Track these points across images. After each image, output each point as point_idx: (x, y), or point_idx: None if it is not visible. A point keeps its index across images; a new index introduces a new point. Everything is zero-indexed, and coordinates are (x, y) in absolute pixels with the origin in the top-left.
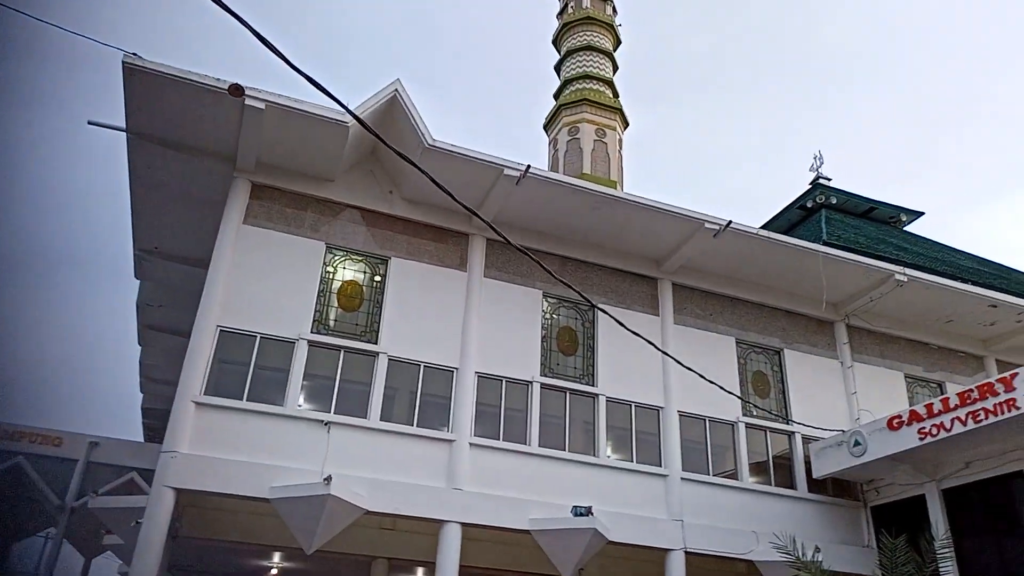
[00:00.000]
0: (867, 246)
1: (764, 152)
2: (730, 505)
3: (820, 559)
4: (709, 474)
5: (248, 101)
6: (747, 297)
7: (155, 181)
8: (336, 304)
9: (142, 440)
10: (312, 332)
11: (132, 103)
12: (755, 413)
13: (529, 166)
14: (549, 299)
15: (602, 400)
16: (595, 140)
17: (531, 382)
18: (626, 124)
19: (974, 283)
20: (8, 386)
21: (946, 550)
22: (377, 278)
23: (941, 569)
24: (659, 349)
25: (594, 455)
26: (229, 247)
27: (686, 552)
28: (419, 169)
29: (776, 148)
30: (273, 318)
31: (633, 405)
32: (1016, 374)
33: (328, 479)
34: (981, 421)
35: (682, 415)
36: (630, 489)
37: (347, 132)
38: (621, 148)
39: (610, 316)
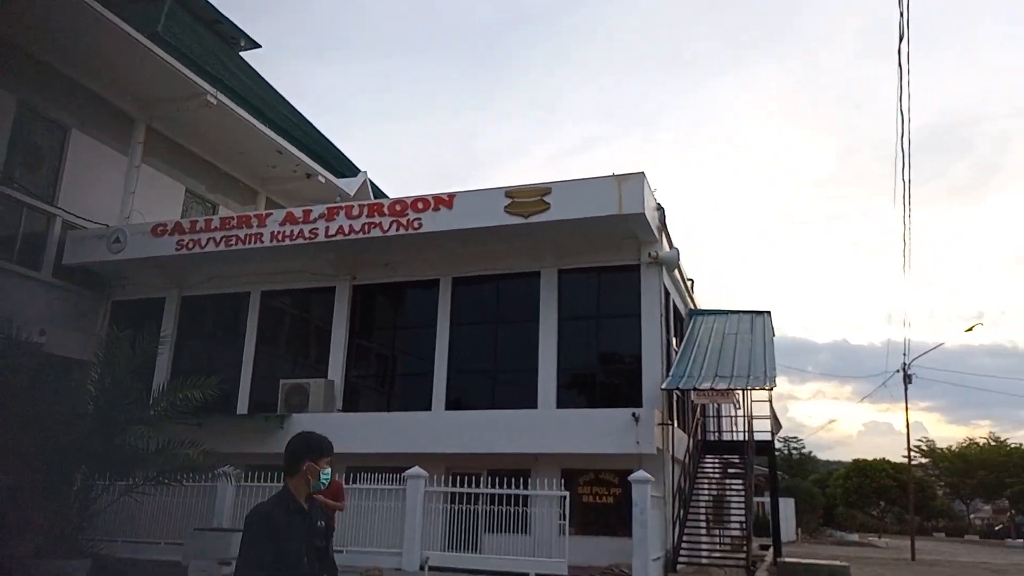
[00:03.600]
0: (199, 55)
1: None
2: None
3: (43, 341)
4: None
5: None
6: (46, 59)
7: None
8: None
9: None
10: None
11: None
12: (19, 185)
13: None
14: None
15: None
16: None
17: None
18: None
19: (277, 124)
20: None
21: (163, 345)
22: None
23: (158, 361)
24: None
25: None
26: None
27: None
28: None
29: None
30: None
31: None
32: (270, 214)
33: None
34: (232, 246)
35: None
36: None
37: None
38: None
39: None
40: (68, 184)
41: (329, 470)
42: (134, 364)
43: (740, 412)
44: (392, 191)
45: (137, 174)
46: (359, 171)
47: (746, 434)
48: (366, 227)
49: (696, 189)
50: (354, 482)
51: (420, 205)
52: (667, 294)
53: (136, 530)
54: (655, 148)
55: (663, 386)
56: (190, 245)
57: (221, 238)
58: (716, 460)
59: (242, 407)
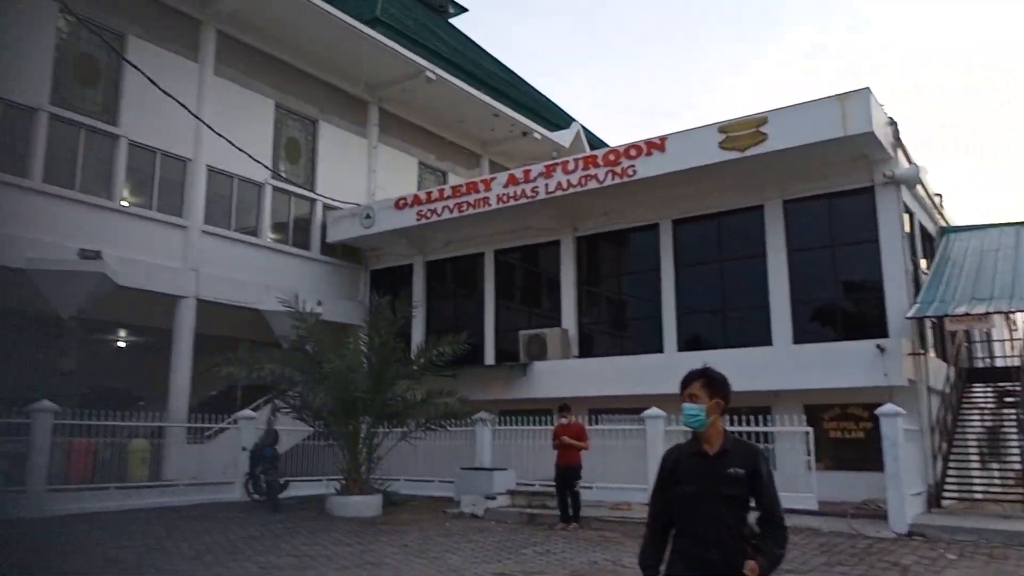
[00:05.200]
0: (414, 31)
1: None
2: (247, 259)
3: (321, 311)
4: (231, 229)
5: None
6: (292, 62)
7: None
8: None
9: None
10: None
11: None
12: (284, 177)
13: None
14: (67, 18)
15: (123, 143)
16: None
17: (37, 109)
18: None
19: (491, 87)
20: None
21: (416, 308)
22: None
23: (413, 321)
24: (192, 114)
25: (109, 198)
26: None
27: (198, 300)
28: None
29: None
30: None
31: (159, 153)
32: (494, 178)
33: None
34: (464, 211)
35: (211, 170)
36: (146, 236)
37: None
38: None
39: (139, 71)
40: (322, 170)
41: (687, 404)
42: (395, 326)
43: (1018, 334)
44: (607, 134)
45: (376, 153)
46: (572, 121)
47: (1022, 359)
48: (582, 180)
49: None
50: (595, 423)
51: (633, 152)
52: (910, 214)
53: (412, 470)
54: (890, 55)
55: (909, 314)
56: (428, 215)
57: (454, 205)
58: (989, 389)
59: (488, 358)
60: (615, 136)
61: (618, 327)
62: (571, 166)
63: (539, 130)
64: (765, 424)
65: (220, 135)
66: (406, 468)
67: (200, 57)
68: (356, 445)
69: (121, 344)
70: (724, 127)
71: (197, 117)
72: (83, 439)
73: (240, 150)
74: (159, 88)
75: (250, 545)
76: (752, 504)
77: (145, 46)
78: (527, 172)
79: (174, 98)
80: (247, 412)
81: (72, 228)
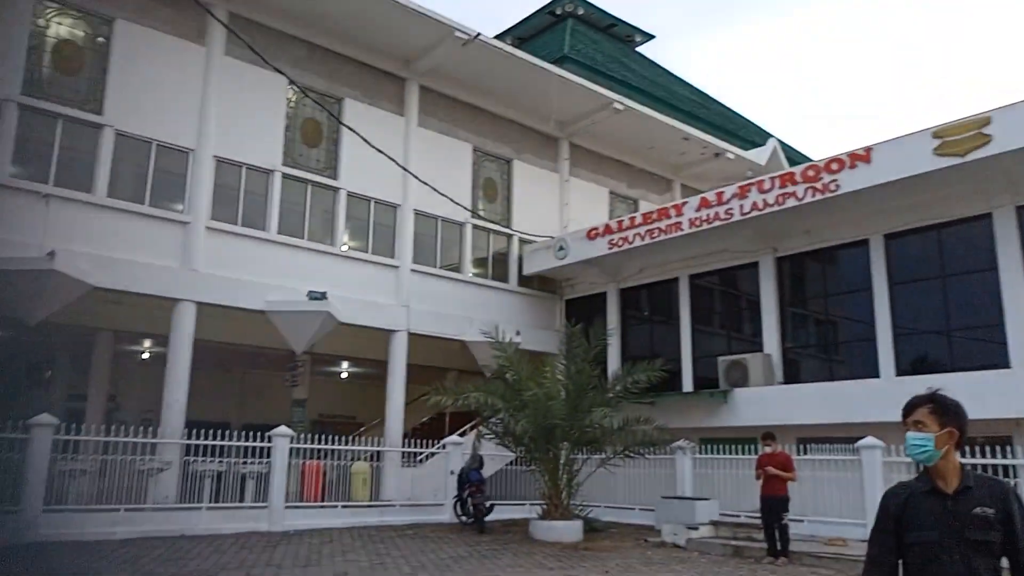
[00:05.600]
0: (602, 64)
1: None
2: (452, 294)
3: (520, 341)
4: (436, 266)
5: None
6: (487, 107)
7: None
8: (52, 65)
9: None
10: (23, 94)
11: None
12: (482, 216)
13: None
14: (295, 88)
15: (343, 194)
16: None
17: (272, 171)
18: None
19: (681, 110)
20: None
21: (611, 335)
22: (100, 39)
23: (608, 348)
24: (401, 166)
25: (332, 244)
26: None
27: (409, 333)
28: None
29: None
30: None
31: (373, 201)
32: (686, 203)
33: (51, 254)
34: (656, 238)
35: (417, 213)
36: (364, 277)
37: None
38: None
39: (355, 132)
40: (517, 206)
41: (911, 433)
42: (590, 354)
43: None
44: (808, 146)
45: (568, 187)
46: (768, 137)
47: None
48: (780, 198)
49: None
50: (804, 453)
51: (834, 166)
52: None
53: (612, 497)
54: None
55: None
56: (619, 243)
57: (645, 232)
58: None
59: (686, 385)
60: (816, 148)
61: (826, 351)
62: (767, 185)
63: (732, 150)
64: (1004, 456)
65: (424, 183)
66: (606, 495)
67: (406, 111)
68: (556, 471)
69: (344, 375)
70: (939, 132)
71: (404, 168)
72: (314, 462)
73: (442, 195)
74: (371, 145)
75: (459, 564)
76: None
77: (358, 106)
78: (720, 194)
79: (384, 153)
80: (454, 438)
81: (302, 272)
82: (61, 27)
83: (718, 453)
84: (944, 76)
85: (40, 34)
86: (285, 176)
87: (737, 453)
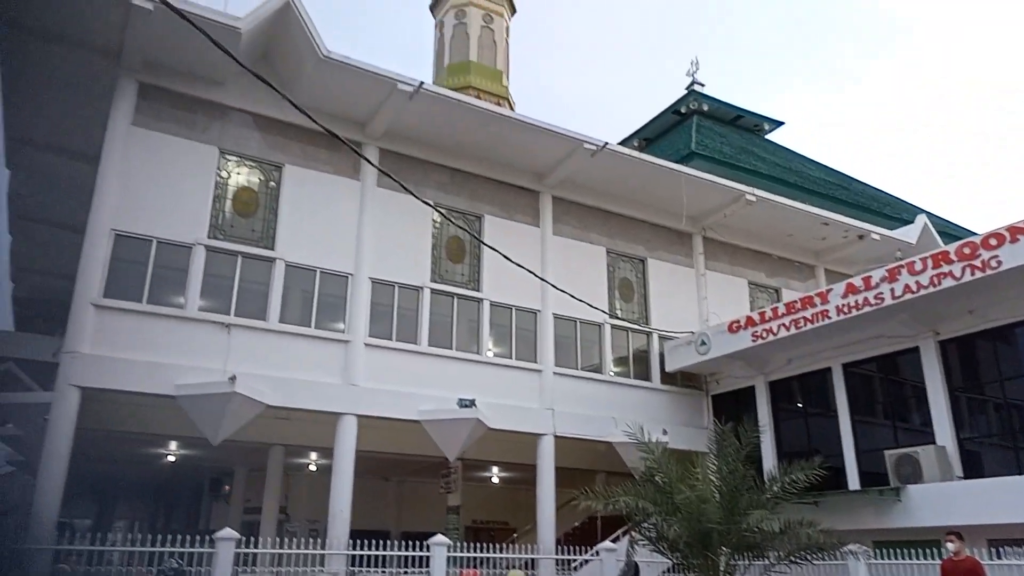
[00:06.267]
0: (731, 156)
1: (643, 52)
2: (594, 395)
3: (667, 440)
4: (578, 368)
5: (136, 0)
6: (617, 210)
7: (30, 70)
8: (232, 209)
9: (12, 329)
10: (209, 237)
11: None
12: (620, 316)
13: (422, 83)
14: (440, 210)
15: (486, 304)
16: (482, 26)
17: (421, 287)
18: (513, 11)
19: (818, 194)
20: None
21: (763, 431)
22: (272, 184)
23: (761, 445)
24: (538, 276)
25: (478, 353)
26: (119, 148)
27: (555, 436)
28: (290, 102)
29: (655, 49)
30: (168, 222)
31: (513, 309)
32: (831, 289)
33: (233, 378)
34: (801, 327)
35: (556, 317)
36: (509, 382)
37: (239, 37)
38: (508, 36)
39: (496, 251)
40: (655, 304)
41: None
42: (742, 452)
43: None
44: (967, 219)
45: (704, 281)
46: (918, 213)
47: None
48: (935, 279)
49: None
50: (996, 558)
51: (993, 241)
52: None
53: None
54: None
55: None
56: (764, 335)
57: (790, 322)
58: None
59: (852, 482)
60: (981, 217)
61: (1013, 440)
62: (918, 266)
63: (877, 230)
64: None
65: (562, 291)
66: None
67: (541, 221)
68: None
69: (495, 480)
70: None
71: (541, 278)
72: (471, 570)
73: (579, 300)
74: (509, 259)
75: None
76: None
77: (497, 221)
78: (867, 279)
79: (522, 266)
80: (607, 544)
81: (451, 381)
82: (239, 176)
83: (894, 558)
84: None
85: (222, 184)
86: (433, 291)
87: (916, 558)
